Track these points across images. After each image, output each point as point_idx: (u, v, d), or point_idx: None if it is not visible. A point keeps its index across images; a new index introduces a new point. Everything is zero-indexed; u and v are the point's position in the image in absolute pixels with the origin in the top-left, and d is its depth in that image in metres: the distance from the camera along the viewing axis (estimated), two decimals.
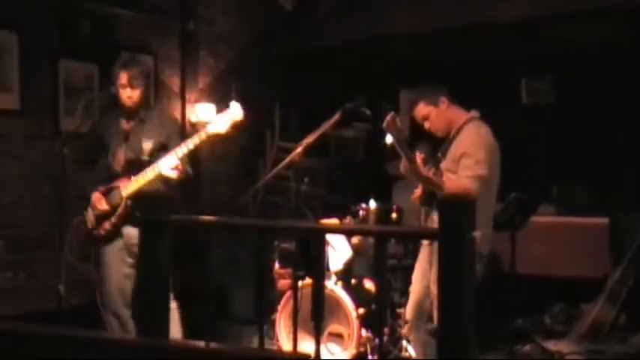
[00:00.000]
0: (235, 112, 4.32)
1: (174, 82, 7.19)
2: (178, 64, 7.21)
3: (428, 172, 3.95)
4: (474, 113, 4.21)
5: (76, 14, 6.05)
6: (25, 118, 5.82)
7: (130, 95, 4.45)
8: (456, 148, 4.11)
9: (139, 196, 4.38)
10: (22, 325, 2.77)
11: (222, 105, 7.46)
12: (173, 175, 4.32)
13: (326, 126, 4.51)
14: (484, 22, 6.82)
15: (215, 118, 4.36)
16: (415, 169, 3.93)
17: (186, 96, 7.18)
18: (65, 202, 4.40)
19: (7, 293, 5.30)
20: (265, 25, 7.89)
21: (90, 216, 4.53)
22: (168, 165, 4.28)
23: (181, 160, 4.32)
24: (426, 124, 4.26)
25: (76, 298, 4.56)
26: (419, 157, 3.95)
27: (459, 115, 4.21)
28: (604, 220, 6.47)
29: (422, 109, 4.24)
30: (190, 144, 4.27)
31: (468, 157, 4.00)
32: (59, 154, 4.34)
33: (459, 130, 4.16)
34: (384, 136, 4.00)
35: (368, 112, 4.64)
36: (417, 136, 4.63)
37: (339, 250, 5.25)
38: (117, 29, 6.43)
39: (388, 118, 3.84)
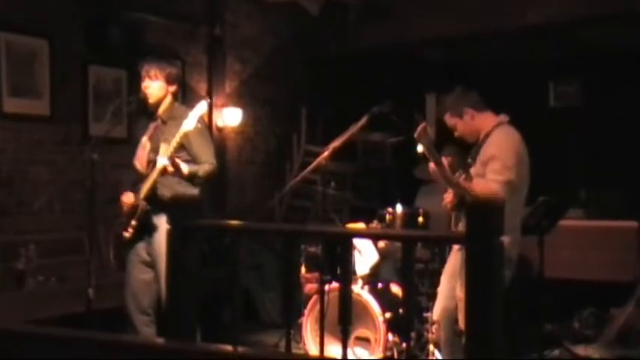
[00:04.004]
0: (201, 107, 4.33)
1: (202, 87, 7.24)
2: (205, 69, 7.26)
3: (455, 176, 4.02)
4: (503, 118, 4.22)
5: (105, 20, 6.12)
6: (55, 123, 5.90)
7: (147, 86, 4.51)
8: (484, 152, 4.12)
9: (153, 198, 4.42)
10: (52, 329, 2.81)
11: (249, 109, 7.56)
12: (164, 168, 4.33)
13: (353, 130, 4.52)
14: (513, 26, 6.79)
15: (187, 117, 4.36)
16: (443, 173, 4.01)
17: (214, 101, 7.22)
18: (94, 206, 4.45)
19: (38, 297, 5.37)
20: (292, 29, 7.91)
21: (121, 219, 4.58)
22: (162, 163, 4.32)
23: (175, 160, 4.34)
24: (455, 133, 4.35)
25: (107, 302, 4.61)
26: (446, 160, 4.01)
27: (487, 120, 4.22)
28: (633, 224, 6.40)
29: (449, 120, 4.32)
30: (174, 142, 4.31)
31: (497, 160, 4.02)
32: (88, 159, 4.39)
33: (488, 135, 4.17)
34: (411, 142, 4.09)
35: (395, 119, 4.67)
36: (444, 139, 4.63)
37: (365, 254, 5.25)
38: (145, 35, 6.49)
39: (420, 128, 3.95)
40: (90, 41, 6.11)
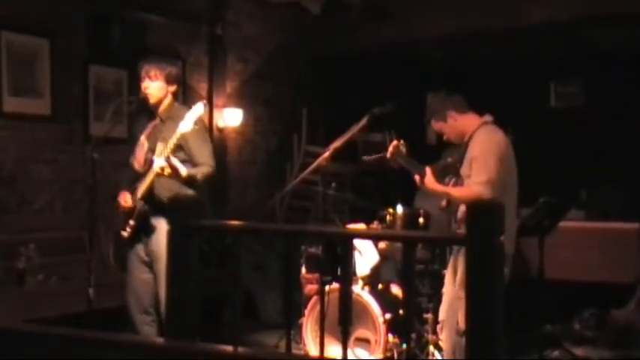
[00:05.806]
0: (197, 109, 4.33)
1: (202, 87, 7.24)
2: (206, 69, 7.26)
3: (445, 180, 4.15)
4: (487, 118, 4.26)
5: (106, 20, 6.12)
6: (56, 123, 5.91)
7: (146, 86, 4.49)
8: (468, 153, 4.17)
9: (150, 198, 4.41)
10: (53, 328, 2.81)
11: (249, 109, 7.56)
12: (161, 171, 4.31)
13: (353, 130, 4.52)
14: (514, 26, 6.79)
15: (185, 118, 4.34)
16: (426, 183, 4.15)
17: (214, 101, 7.22)
18: (95, 205, 4.45)
19: (38, 296, 5.37)
20: (293, 29, 7.91)
21: (120, 218, 4.58)
22: (159, 165, 4.30)
23: (171, 161, 4.32)
24: (444, 137, 4.40)
25: (107, 301, 4.60)
26: (429, 170, 4.14)
27: (471, 121, 4.26)
28: (634, 225, 6.40)
29: (435, 125, 4.38)
30: (171, 144, 4.29)
31: (478, 161, 4.06)
32: (89, 158, 4.38)
33: (471, 136, 4.21)
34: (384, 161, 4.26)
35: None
36: (444, 142, 4.64)
37: (366, 255, 5.25)
38: (146, 35, 6.49)
39: (391, 149, 4.16)
40: (91, 41, 6.12)
